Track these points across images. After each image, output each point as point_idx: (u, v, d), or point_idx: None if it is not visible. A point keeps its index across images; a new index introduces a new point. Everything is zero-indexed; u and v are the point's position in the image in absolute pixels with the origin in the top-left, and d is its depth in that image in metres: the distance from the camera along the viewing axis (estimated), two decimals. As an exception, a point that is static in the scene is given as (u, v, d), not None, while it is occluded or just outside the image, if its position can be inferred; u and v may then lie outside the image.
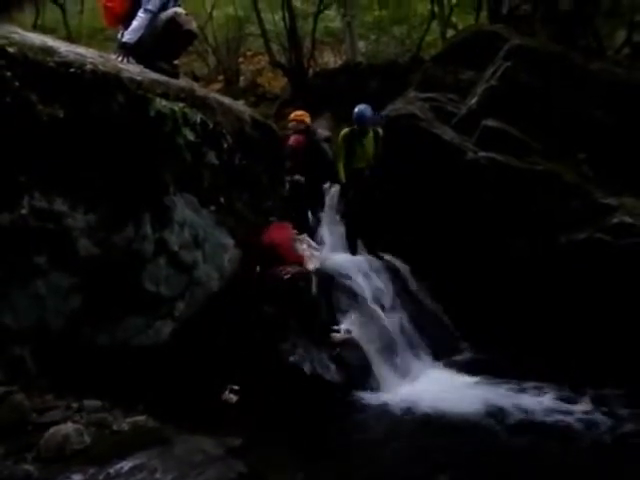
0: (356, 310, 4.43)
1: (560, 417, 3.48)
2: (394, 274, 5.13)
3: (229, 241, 3.38)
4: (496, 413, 3.56)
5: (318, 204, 5.87)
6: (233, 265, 3.37)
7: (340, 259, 5.14)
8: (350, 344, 4.07)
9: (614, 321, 4.27)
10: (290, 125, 5.86)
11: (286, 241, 4.15)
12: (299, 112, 5.96)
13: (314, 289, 3.95)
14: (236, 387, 3.32)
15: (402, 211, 5.34)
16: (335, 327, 4.05)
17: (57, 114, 2.50)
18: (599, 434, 3.24)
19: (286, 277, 3.85)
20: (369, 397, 3.88)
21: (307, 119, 5.82)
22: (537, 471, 2.87)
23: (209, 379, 3.13)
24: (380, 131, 5.46)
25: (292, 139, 5.57)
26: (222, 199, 3.36)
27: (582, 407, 3.63)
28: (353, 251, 5.40)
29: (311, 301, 3.94)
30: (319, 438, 3.32)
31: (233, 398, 3.28)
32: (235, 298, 3.39)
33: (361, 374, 4.06)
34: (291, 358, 3.78)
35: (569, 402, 3.71)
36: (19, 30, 2.66)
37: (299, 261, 4.13)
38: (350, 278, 4.70)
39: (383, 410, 3.68)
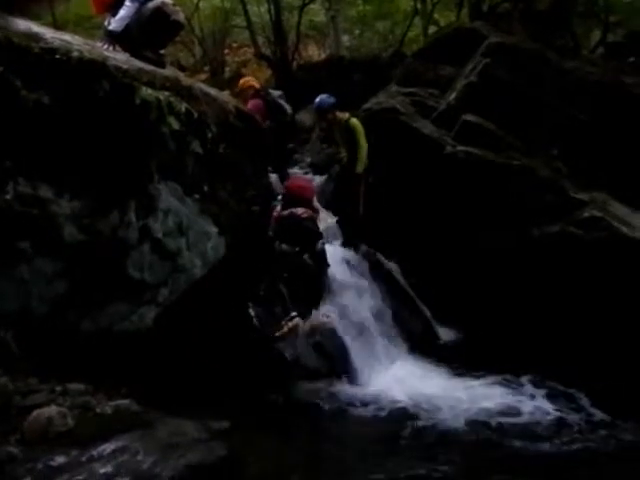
0: (336, 298, 4.51)
1: (529, 411, 3.64)
2: (374, 265, 5.21)
3: (212, 229, 3.40)
4: (468, 404, 3.68)
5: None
6: (216, 253, 3.41)
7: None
8: (329, 332, 4.15)
9: (586, 312, 4.43)
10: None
11: (310, 189, 4.46)
12: (243, 80, 5.87)
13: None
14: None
15: (381, 203, 5.42)
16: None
17: (42, 100, 2.50)
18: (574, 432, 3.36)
19: (304, 216, 3.98)
20: (347, 385, 3.98)
21: (254, 83, 5.73)
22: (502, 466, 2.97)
23: (192, 363, 3.17)
24: (353, 122, 5.22)
25: (250, 104, 5.26)
26: (206, 188, 3.37)
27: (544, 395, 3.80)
28: (346, 242, 5.31)
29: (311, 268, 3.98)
30: (300, 424, 3.40)
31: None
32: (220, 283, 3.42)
33: (340, 362, 4.14)
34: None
35: (532, 390, 3.92)
36: (4, 15, 2.64)
37: (316, 211, 4.35)
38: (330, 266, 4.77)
39: (360, 398, 3.78)
